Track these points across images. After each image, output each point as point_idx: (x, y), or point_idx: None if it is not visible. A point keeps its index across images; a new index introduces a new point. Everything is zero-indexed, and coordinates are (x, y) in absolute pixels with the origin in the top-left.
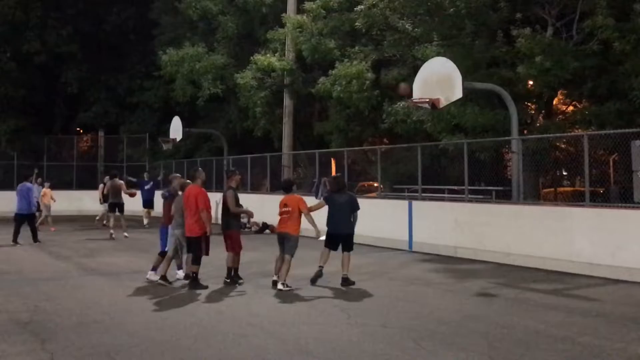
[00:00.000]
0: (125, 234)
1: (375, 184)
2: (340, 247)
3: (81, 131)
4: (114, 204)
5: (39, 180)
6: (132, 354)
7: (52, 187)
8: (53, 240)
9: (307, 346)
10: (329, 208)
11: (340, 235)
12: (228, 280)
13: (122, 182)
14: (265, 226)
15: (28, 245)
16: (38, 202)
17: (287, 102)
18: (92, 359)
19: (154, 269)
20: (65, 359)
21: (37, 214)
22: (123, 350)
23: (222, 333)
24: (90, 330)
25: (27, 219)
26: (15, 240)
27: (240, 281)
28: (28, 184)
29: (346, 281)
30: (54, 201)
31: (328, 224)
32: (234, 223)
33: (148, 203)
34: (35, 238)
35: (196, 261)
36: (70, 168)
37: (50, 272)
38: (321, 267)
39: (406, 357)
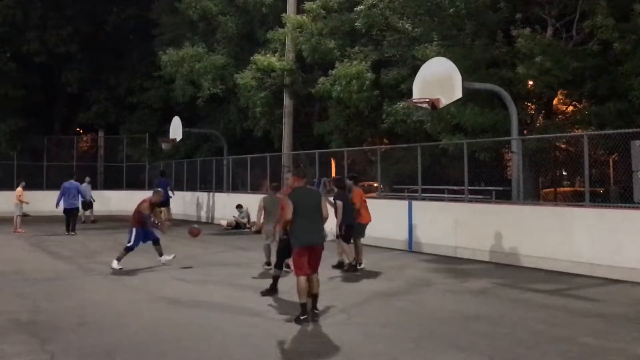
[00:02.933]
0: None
1: (375, 184)
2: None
3: (81, 131)
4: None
5: (88, 179)
6: (132, 354)
7: (53, 188)
8: (53, 240)
9: (307, 346)
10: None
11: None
12: (316, 312)
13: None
14: None
15: (28, 245)
16: (92, 200)
17: (287, 102)
18: (92, 359)
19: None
20: (65, 359)
21: (88, 211)
22: (123, 350)
23: (222, 333)
24: (90, 330)
25: (73, 213)
26: (67, 231)
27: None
28: (75, 182)
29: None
30: (27, 203)
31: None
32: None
33: (166, 202)
34: (73, 229)
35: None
36: (70, 168)
37: (50, 272)
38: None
39: (406, 357)
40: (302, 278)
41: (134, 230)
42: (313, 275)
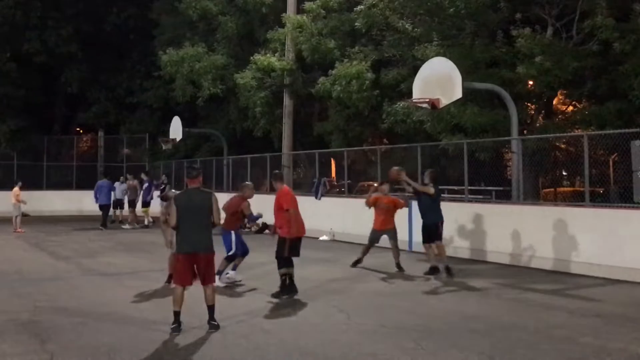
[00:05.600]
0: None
1: (375, 184)
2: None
3: (81, 131)
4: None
5: (122, 178)
6: (132, 354)
7: (53, 188)
8: (53, 240)
9: (307, 346)
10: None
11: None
12: None
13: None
14: (265, 226)
15: (28, 245)
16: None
17: (287, 102)
18: (92, 358)
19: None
20: (65, 359)
21: (119, 212)
22: (123, 350)
23: (222, 333)
24: (90, 330)
25: (106, 208)
26: (102, 227)
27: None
28: (107, 181)
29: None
30: (24, 203)
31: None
32: None
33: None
34: (104, 224)
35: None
36: (70, 168)
37: (50, 272)
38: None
39: (406, 357)
40: (180, 288)
41: (233, 234)
42: (207, 286)
